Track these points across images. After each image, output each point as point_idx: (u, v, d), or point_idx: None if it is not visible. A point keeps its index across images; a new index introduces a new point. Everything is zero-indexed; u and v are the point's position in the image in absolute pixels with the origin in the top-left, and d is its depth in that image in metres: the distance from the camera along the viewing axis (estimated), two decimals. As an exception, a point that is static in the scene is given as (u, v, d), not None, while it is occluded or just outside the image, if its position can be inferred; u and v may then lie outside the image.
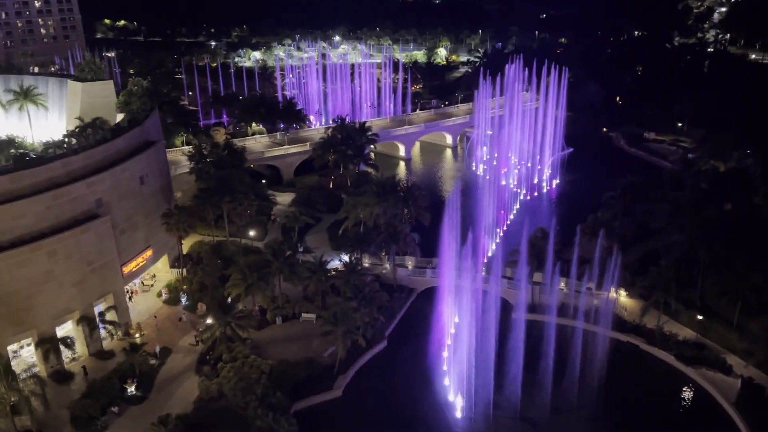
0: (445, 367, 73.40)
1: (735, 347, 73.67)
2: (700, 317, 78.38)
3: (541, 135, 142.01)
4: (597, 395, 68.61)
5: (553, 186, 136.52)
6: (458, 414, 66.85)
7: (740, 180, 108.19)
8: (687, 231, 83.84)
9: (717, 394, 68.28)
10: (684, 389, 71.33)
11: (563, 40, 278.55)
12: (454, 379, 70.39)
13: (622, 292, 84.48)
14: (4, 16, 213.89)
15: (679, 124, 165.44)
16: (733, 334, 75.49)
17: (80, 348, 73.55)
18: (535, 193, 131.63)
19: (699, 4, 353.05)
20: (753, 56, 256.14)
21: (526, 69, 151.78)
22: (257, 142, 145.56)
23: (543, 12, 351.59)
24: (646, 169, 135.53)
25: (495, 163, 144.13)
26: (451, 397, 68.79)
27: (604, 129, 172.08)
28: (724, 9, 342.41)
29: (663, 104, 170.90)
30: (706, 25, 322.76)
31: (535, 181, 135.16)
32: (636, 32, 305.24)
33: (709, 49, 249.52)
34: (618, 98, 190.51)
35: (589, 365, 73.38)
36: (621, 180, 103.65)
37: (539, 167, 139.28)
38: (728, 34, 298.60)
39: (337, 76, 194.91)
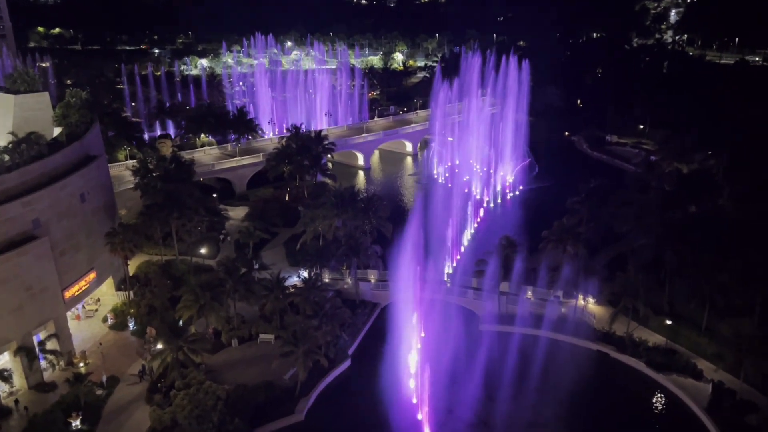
0: (412, 385, 73.30)
1: (705, 351, 75.57)
2: (669, 322, 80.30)
3: (502, 140, 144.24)
4: (567, 405, 69.44)
5: (517, 192, 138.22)
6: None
7: (704, 182, 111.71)
8: (653, 234, 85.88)
9: (688, 400, 69.83)
10: (655, 396, 72.69)
11: (522, 42, 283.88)
12: (422, 397, 70.47)
13: (591, 300, 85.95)
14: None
15: (641, 127, 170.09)
16: (702, 338, 77.51)
17: (18, 381, 71.17)
18: (499, 200, 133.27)
19: (656, 5, 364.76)
20: (709, 57, 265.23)
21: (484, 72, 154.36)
22: (206, 154, 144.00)
23: (500, 15, 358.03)
24: (610, 173, 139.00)
25: (456, 170, 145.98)
26: (419, 416, 68.73)
27: (567, 133, 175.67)
28: (681, 9, 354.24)
29: (623, 106, 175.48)
30: (663, 26, 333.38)
31: (499, 188, 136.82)
32: (594, 34, 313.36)
33: (667, 50, 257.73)
34: (579, 101, 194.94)
35: (559, 375, 74.61)
36: (584, 184, 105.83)
37: (502, 173, 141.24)
38: (686, 35, 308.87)
39: (289, 84, 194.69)
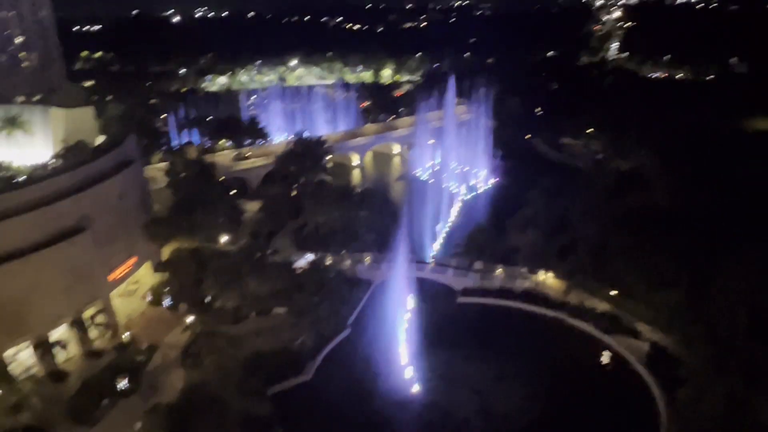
0: (402, 349, 73.66)
1: (643, 316, 76.31)
2: (613, 293, 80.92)
3: (474, 142, 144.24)
4: (529, 363, 70.18)
5: (489, 186, 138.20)
6: (415, 389, 67.20)
7: (640, 176, 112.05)
8: (600, 221, 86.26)
9: (630, 356, 70.67)
10: (602, 353, 73.52)
11: (490, 60, 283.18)
12: (410, 359, 70.88)
13: (550, 275, 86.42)
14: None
15: (589, 131, 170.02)
16: (641, 305, 78.05)
17: (73, 349, 71.15)
18: (473, 193, 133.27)
19: (600, 28, 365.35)
20: (643, 72, 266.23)
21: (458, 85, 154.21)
22: (225, 157, 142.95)
23: (471, 37, 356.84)
24: (564, 169, 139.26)
25: (437, 168, 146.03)
26: (407, 374, 69.11)
27: (528, 136, 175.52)
28: (621, 32, 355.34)
29: (574, 113, 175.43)
30: (606, 45, 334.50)
31: (473, 183, 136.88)
32: (549, 53, 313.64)
33: (608, 67, 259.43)
34: (537, 109, 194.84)
35: (522, 338, 75.26)
36: (542, 180, 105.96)
37: (475, 171, 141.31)
38: (626, 53, 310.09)
39: (294, 97, 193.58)
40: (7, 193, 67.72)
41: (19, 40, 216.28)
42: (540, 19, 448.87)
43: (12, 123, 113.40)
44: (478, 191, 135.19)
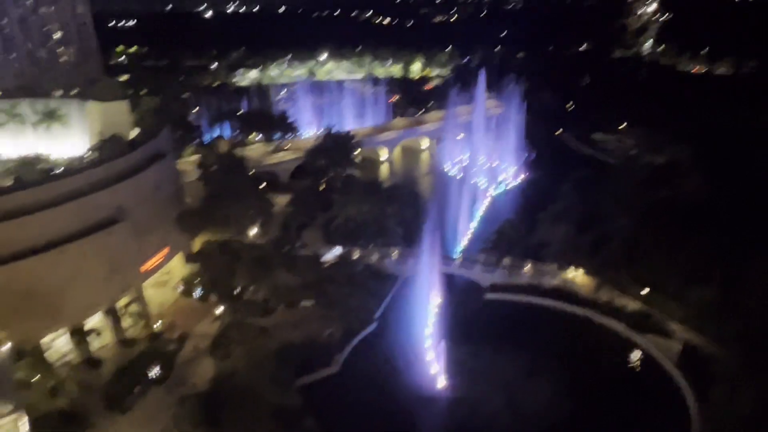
0: (427, 343, 73.57)
1: (675, 315, 74.74)
2: (645, 290, 79.36)
3: (504, 137, 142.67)
4: (559, 361, 69.22)
5: (518, 182, 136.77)
6: (441, 384, 67.07)
7: (674, 171, 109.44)
8: (632, 216, 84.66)
9: (661, 356, 69.31)
10: (633, 353, 72.21)
11: (521, 54, 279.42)
12: (436, 354, 70.73)
13: (580, 271, 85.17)
14: (30, 45, 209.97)
15: (621, 126, 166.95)
16: (673, 303, 76.46)
17: (107, 337, 72.85)
18: (503, 189, 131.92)
19: (636, 20, 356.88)
20: (680, 67, 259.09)
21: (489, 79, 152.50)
22: (256, 151, 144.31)
23: (502, 31, 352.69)
24: (595, 165, 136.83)
25: (466, 163, 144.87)
26: (434, 369, 69.04)
27: (558, 131, 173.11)
28: (657, 25, 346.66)
29: (607, 108, 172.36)
30: (642, 39, 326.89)
31: (502, 178, 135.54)
32: (582, 47, 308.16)
33: (644, 61, 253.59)
34: (569, 104, 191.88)
35: (551, 336, 74.30)
36: (573, 174, 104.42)
37: (504, 166, 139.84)
38: (661, 47, 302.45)
39: (324, 91, 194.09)
40: (46, 184, 69.70)
41: (57, 35, 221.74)
42: (573, 12, 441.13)
43: (51, 116, 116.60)
44: (508, 187, 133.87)
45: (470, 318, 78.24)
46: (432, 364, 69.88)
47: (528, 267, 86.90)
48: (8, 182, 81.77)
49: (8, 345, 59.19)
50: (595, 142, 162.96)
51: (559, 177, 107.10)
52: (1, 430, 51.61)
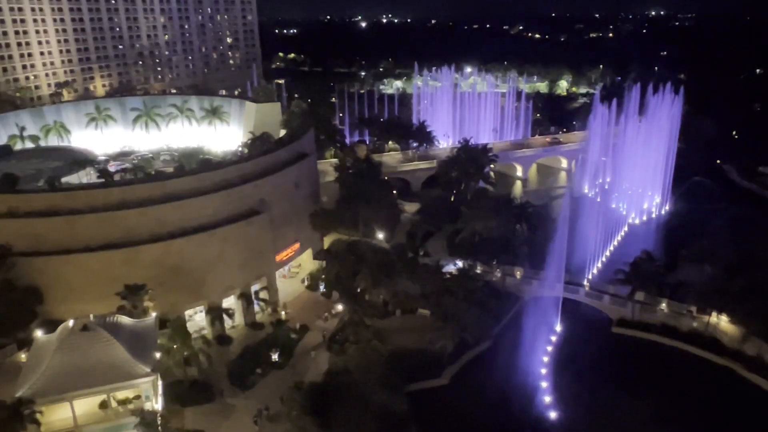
0: (543, 371, 70.43)
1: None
2: (805, 350, 69.45)
3: (653, 163, 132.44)
4: (691, 411, 62.81)
5: (663, 212, 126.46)
6: (552, 414, 63.88)
7: None
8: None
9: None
10: (783, 417, 63.44)
11: (682, 75, 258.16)
12: (551, 382, 67.51)
13: (724, 317, 76.66)
14: (203, 49, 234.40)
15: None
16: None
17: (238, 318, 78.38)
18: (644, 218, 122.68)
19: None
20: None
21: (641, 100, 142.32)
22: (392, 157, 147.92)
23: (663, 49, 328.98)
24: (756, 201, 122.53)
25: (606, 187, 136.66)
26: (546, 398, 65.95)
27: (718, 161, 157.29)
28: None
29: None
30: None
31: (645, 206, 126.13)
32: (757, 70, 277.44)
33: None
34: (734, 132, 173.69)
35: (683, 384, 67.64)
36: (728, 209, 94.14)
37: (649, 194, 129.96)
38: None
39: (465, 103, 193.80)
40: (201, 173, 77.20)
41: (228, 41, 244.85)
42: (750, 32, 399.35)
43: (214, 113, 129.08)
44: (651, 216, 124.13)
45: (593, 351, 73.57)
46: (545, 392, 66.77)
47: (663, 305, 79.82)
48: (171, 169, 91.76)
49: (155, 314, 66.37)
50: (760, 177, 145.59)
51: (711, 211, 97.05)
52: (142, 388, 57.99)
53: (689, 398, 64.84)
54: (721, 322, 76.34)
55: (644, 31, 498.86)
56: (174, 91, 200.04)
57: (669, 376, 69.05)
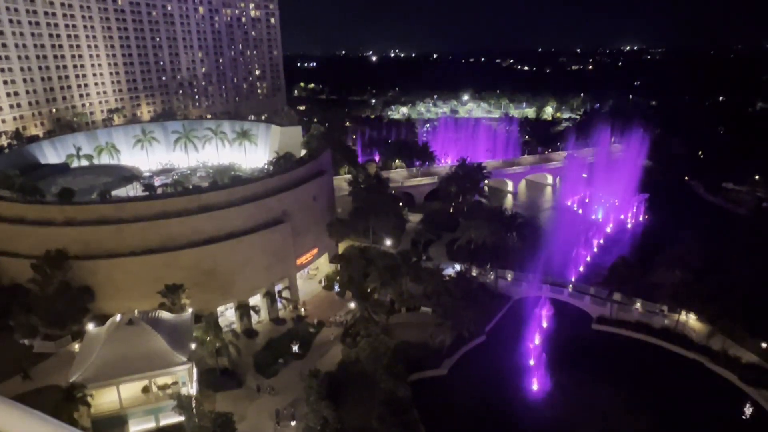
0: (532, 362, 69.89)
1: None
2: (765, 344, 68.42)
3: (626, 179, 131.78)
4: (663, 400, 62.10)
5: (637, 222, 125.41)
6: (539, 402, 63.24)
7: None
8: (756, 268, 73.56)
9: (777, 415, 59.13)
10: (745, 407, 62.44)
11: (653, 102, 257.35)
12: (539, 373, 66.95)
13: (692, 316, 75.80)
14: (235, 80, 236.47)
15: (757, 177, 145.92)
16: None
17: (263, 314, 78.56)
18: (621, 228, 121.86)
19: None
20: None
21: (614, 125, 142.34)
22: (398, 174, 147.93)
23: (637, 80, 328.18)
24: (722, 214, 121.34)
25: (587, 200, 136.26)
26: (535, 387, 65.40)
27: (686, 177, 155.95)
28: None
29: (742, 159, 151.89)
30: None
31: (621, 217, 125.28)
32: (720, 98, 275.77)
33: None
34: (700, 152, 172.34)
35: (656, 375, 66.91)
36: (697, 220, 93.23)
37: (623, 206, 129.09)
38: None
39: (462, 127, 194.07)
40: (232, 188, 77.65)
41: (257, 72, 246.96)
42: (713, 64, 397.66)
43: (244, 135, 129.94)
44: (627, 226, 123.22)
45: (576, 345, 73.01)
46: (533, 382, 66.19)
47: (638, 304, 79.11)
48: (206, 184, 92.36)
49: (191, 310, 66.60)
50: (724, 192, 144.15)
51: (681, 222, 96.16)
52: (179, 375, 58.09)
53: (661, 387, 64.15)
54: (690, 320, 75.60)
55: (620, 63, 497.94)
56: (209, 116, 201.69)
57: (643, 368, 68.31)
